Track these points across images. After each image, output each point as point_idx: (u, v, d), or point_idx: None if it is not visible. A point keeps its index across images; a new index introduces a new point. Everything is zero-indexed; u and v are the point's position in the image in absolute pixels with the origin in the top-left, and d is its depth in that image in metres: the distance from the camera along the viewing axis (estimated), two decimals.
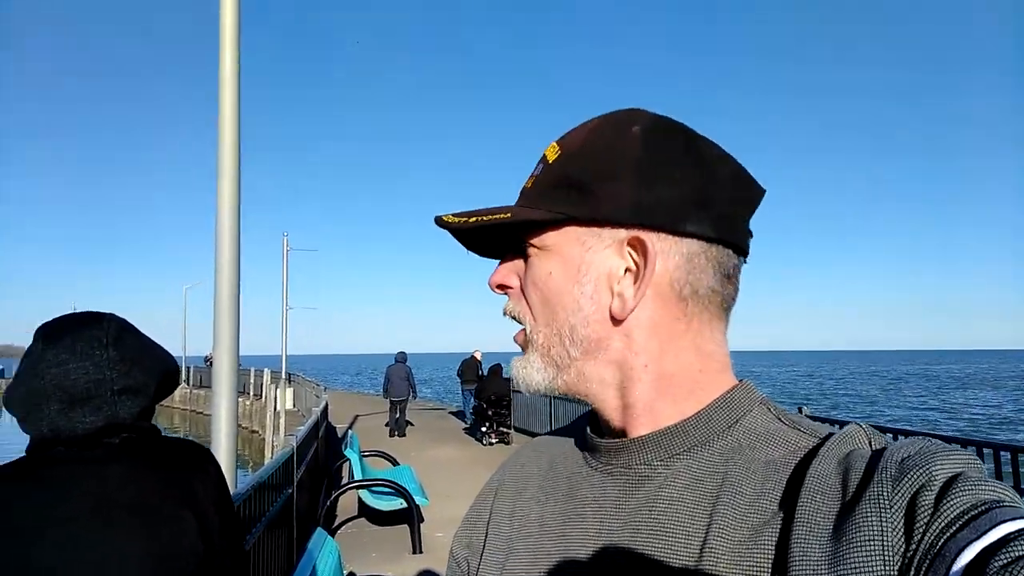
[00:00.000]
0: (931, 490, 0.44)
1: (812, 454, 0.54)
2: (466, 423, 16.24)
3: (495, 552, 0.70)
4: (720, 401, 0.61)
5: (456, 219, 0.67)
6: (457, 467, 10.54)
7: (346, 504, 7.86)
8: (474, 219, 0.66)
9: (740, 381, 0.64)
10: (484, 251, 0.74)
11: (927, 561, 0.42)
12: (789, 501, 0.52)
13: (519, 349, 0.68)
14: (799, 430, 0.59)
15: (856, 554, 0.44)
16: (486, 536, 0.74)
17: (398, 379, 14.76)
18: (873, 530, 0.44)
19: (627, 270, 0.61)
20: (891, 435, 4.71)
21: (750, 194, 0.64)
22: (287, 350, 23.56)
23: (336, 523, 7.33)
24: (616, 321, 0.61)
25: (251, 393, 25.97)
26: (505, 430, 13.51)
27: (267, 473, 4.08)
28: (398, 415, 14.65)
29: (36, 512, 1.11)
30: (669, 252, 0.60)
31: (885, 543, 0.44)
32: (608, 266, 0.62)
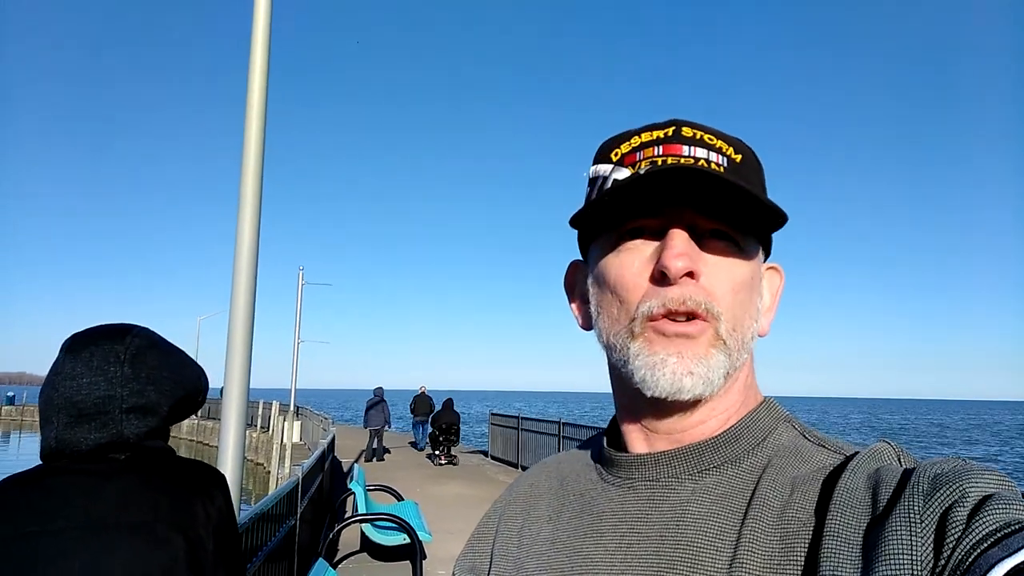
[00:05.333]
0: (964, 507, 0.44)
1: (840, 470, 0.54)
2: (418, 449, 18.89)
3: (503, 574, 0.69)
4: (748, 419, 0.63)
5: (736, 180, 0.58)
6: (463, 504, 10.43)
7: (348, 538, 7.81)
8: (746, 186, 0.57)
9: (765, 398, 0.66)
10: (583, 221, 0.66)
11: None
12: (819, 515, 0.52)
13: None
14: (825, 447, 0.60)
15: (886, 567, 0.44)
16: (491, 559, 0.72)
17: (375, 412, 16.79)
18: (903, 543, 0.44)
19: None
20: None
21: None
22: (297, 383, 23.55)
23: (338, 557, 7.26)
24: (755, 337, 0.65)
25: (258, 425, 25.85)
26: (454, 453, 16.12)
27: (270, 503, 4.06)
28: (375, 444, 16.54)
29: (34, 520, 1.13)
30: None
31: (915, 556, 0.43)
32: (766, 285, 0.68)
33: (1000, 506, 0.43)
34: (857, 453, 0.56)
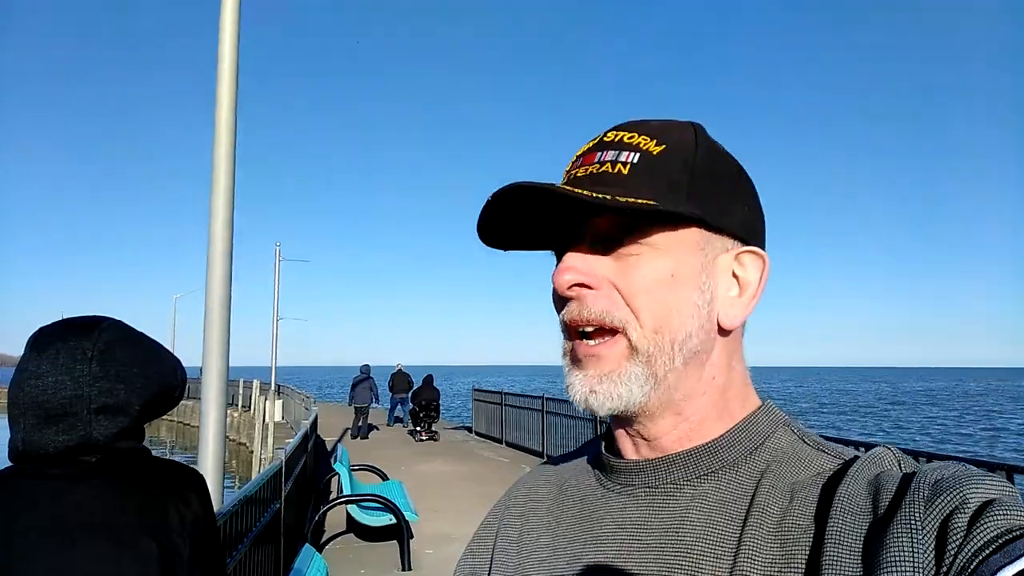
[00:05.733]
0: (964, 513, 0.44)
1: (840, 475, 0.54)
2: (389, 426, 19.30)
3: None
4: (746, 423, 0.62)
5: (570, 190, 0.57)
6: (447, 482, 10.43)
7: (334, 519, 7.77)
8: (599, 195, 0.56)
9: (763, 401, 0.65)
10: (506, 241, 0.67)
11: None
12: (819, 522, 0.51)
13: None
14: (824, 452, 0.58)
15: (888, 574, 0.44)
16: (491, 565, 0.72)
17: (362, 389, 16.60)
18: (904, 550, 0.44)
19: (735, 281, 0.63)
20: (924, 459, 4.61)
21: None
22: (277, 361, 23.43)
23: (324, 539, 7.22)
24: (723, 332, 0.62)
25: (239, 405, 25.77)
26: (435, 429, 16.29)
27: (254, 487, 4.00)
28: (361, 422, 16.49)
29: (2, 522, 1.09)
30: None
31: (916, 564, 0.43)
32: (726, 276, 0.62)
33: (1001, 512, 0.43)
34: (856, 458, 0.55)
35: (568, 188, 0.57)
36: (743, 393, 0.64)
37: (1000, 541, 0.42)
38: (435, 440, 15.86)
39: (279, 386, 23.04)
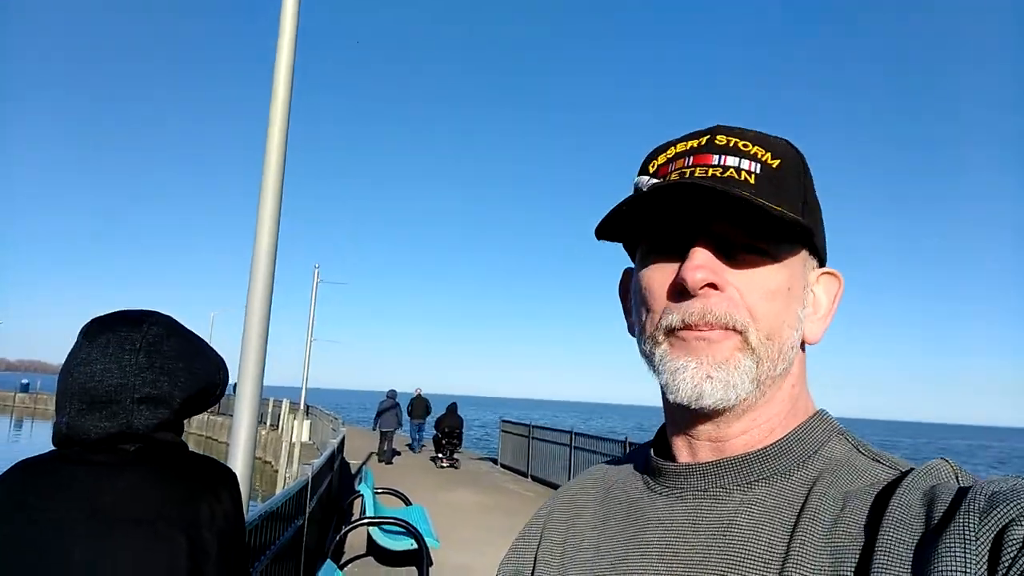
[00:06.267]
0: (1021, 525, 0.43)
1: (894, 486, 0.53)
2: (414, 452, 19.50)
3: None
4: (801, 430, 0.62)
5: (752, 197, 0.57)
6: (471, 512, 10.34)
7: (354, 541, 7.75)
8: (755, 200, 0.56)
9: (818, 410, 0.65)
10: (616, 234, 0.68)
11: None
12: (870, 531, 0.51)
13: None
14: (880, 462, 0.58)
15: None
16: (535, 564, 0.72)
17: (389, 414, 16.86)
18: (957, 561, 0.44)
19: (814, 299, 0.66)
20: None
21: None
22: (308, 382, 23.60)
23: (343, 560, 7.19)
24: (802, 346, 0.65)
25: (267, 423, 25.95)
26: (456, 456, 16.65)
27: (279, 502, 4.01)
28: (386, 446, 16.65)
29: (40, 505, 1.13)
30: None
31: (968, 574, 0.43)
32: (817, 292, 0.66)
33: None
34: (913, 469, 0.55)
35: (748, 194, 0.57)
36: (806, 403, 0.65)
37: None
38: (455, 467, 16.15)
39: (308, 406, 23.18)
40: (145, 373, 1.20)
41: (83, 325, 1.25)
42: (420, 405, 18.77)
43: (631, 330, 0.70)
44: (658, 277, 0.63)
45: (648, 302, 0.63)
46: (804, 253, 0.64)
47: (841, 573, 0.50)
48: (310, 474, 5.39)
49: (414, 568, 6.57)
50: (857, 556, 0.50)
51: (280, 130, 4.12)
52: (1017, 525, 0.43)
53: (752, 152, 0.62)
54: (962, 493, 0.48)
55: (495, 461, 17.89)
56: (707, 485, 0.62)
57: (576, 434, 12.68)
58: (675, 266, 0.61)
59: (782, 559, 0.53)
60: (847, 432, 0.63)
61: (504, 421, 17.52)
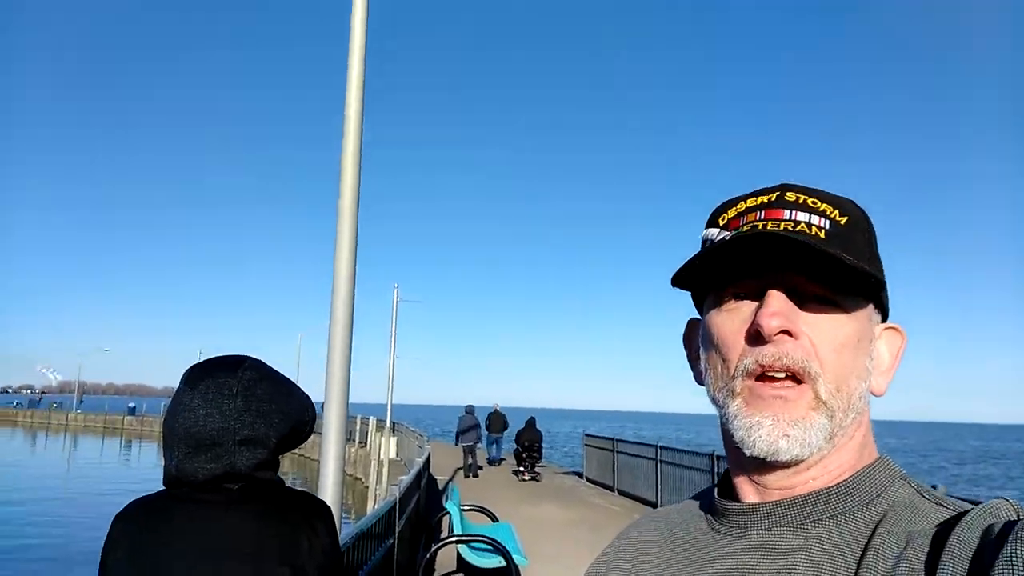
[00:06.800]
0: None
1: (954, 523, 0.54)
2: (493, 466, 19.66)
3: None
4: (865, 473, 0.63)
5: (838, 253, 0.59)
6: (558, 528, 10.27)
7: (444, 559, 7.80)
8: (832, 251, 0.59)
9: (880, 456, 0.67)
10: (689, 282, 0.69)
11: None
12: (930, 568, 0.51)
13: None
14: (943, 506, 0.59)
15: None
16: None
17: (469, 429, 17.29)
18: None
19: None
20: None
21: None
22: (393, 399, 24.10)
23: None
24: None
25: (356, 440, 26.63)
26: (537, 470, 16.93)
27: (370, 522, 4.10)
28: (470, 460, 17.02)
29: (155, 541, 1.22)
30: None
31: None
32: (879, 347, 0.68)
33: None
34: (972, 509, 0.55)
35: (822, 244, 0.60)
36: (871, 450, 0.67)
37: None
38: (537, 480, 16.40)
39: (394, 423, 23.66)
40: (243, 416, 1.28)
41: (184, 371, 1.34)
42: (498, 420, 19.16)
43: (698, 379, 0.72)
44: (732, 323, 0.64)
45: (721, 348, 0.65)
46: (871, 307, 0.66)
47: None
48: (398, 494, 5.48)
49: None
50: None
51: (354, 146, 4.24)
52: None
53: (821, 209, 0.65)
54: (1009, 526, 0.49)
55: (580, 475, 17.77)
56: (771, 524, 0.62)
57: (662, 447, 12.46)
58: (749, 313, 0.63)
59: None
60: (910, 477, 0.64)
61: (587, 435, 17.45)
